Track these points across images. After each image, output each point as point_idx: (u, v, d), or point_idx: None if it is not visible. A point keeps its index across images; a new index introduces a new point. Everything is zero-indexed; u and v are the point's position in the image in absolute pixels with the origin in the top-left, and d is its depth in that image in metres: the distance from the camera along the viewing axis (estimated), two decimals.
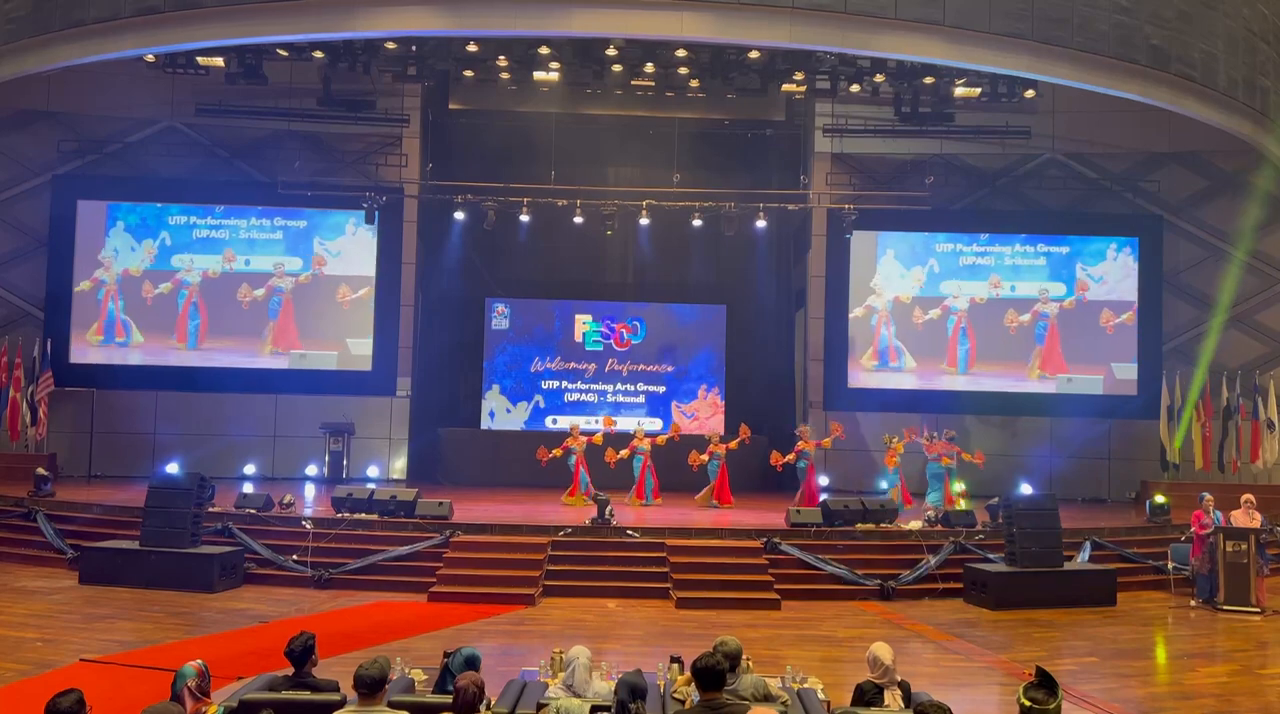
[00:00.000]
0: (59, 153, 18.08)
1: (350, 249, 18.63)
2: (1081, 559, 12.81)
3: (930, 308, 18.78)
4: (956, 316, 18.70)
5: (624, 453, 15.62)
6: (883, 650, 5.73)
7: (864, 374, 18.71)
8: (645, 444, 15.71)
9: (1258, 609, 11.40)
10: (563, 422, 19.53)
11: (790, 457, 15.69)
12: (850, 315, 18.77)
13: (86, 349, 18.22)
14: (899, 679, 5.71)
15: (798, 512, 13.37)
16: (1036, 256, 18.87)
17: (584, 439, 15.76)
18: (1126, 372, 18.54)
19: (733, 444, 15.96)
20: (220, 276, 18.49)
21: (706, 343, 20.01)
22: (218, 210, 18.60)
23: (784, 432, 17.63)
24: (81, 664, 8.23)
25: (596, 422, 19.49)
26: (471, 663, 5.58)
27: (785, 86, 16.84)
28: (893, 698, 5.59)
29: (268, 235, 18.65)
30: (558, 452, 15.57)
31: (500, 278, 19.96)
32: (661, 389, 19.81)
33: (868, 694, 5.64)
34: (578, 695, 5.66)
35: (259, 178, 18.46)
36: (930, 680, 7.80)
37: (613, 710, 5.31)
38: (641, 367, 19.83)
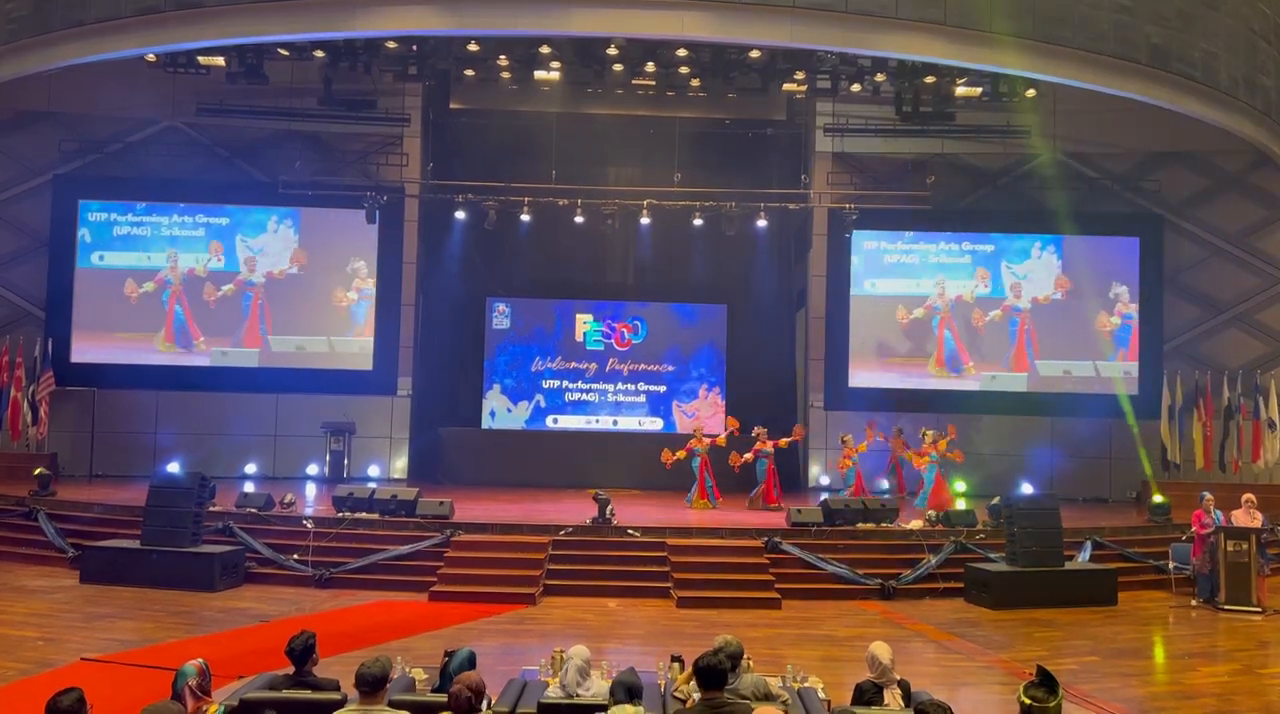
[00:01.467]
0: (60, 153, 18.08)
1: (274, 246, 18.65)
2: (1082, 559, 12.81)
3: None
4: (1021, 317, 18.75)
5: (680, 454, 15.52)
6: (881, 650, 5.73)
7: (932, 379, 18.73)
8: (703, 445, 15.59)
9: (1258, 609, 11.40)
10: (564, 422, 19.59)
11: (680, 454, 15.56)
12: (911, 316, 18.78)
13: (153, 354, 18.23)
14: (898, 678, 5.72)
15: (798, 511, 13.36)
16: (962, 255, 18.90)
17: (707, 441, 15.67)
18: (1051, 369, 18.62)
19: (782, 442, 15.90)
20: (285, 277, 18.57)
21: (707, 342, 20.00)
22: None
23: (785, 432, 17.57)
24: (82, 663, 8.25)
25: (596, 421, 19.55)
26: (469, 663, 5.59)
27: (786, 86, 16.82)
28: (892, 697, 5.60)
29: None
30: (681, 454, 15.49)
31: (501, 277, 19.95)
32: (662, 388, 19.81)
33: (867, 694, 5.65)
34: (571, 696, 5.67)
35: (260, 178, 18.47)
36: (931, 680, 7.81)
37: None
38: (642, 366, 19.82)
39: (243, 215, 18.62)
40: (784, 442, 15.98)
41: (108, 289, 18.33)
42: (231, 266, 18.55)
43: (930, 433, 16.10)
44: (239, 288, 18.50)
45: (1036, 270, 18.82)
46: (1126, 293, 18.65)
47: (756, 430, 16.04)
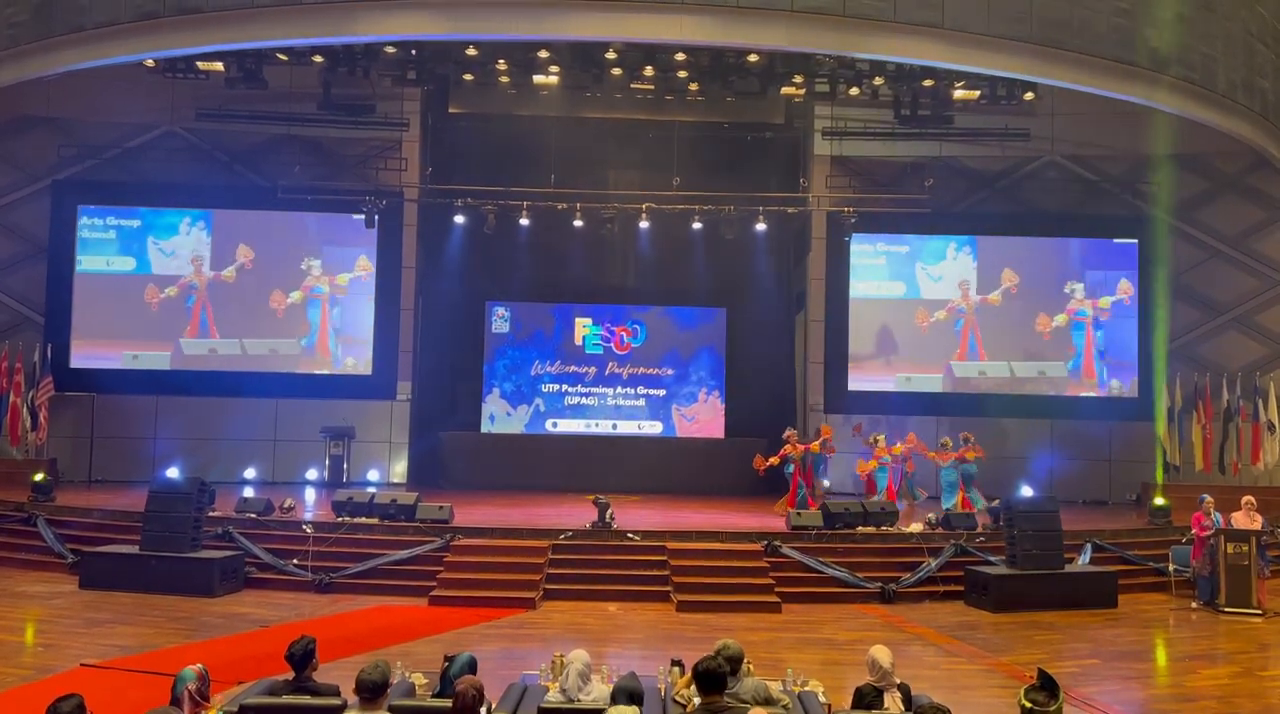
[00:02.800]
0: (59, 158, 18.09)
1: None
2: (1082, 561, 12.81)
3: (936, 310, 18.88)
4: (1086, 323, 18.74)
5: (773, 460, 15.39)
6: (881, 653, 5.73)
7: (953, 381, 18.73)
8: (797, 451, 15.43)
9: (1259, 611, 11.40)
10: (563, 426, 19.56)
11: (774, 460, 15.47)
12: (933, 318, 18.78)
13: (168, 357, 18.24)
14: (898, 682, 5.71)
15: (798, 514, 13.37)
16: (876, 256, 18.90)
17: (801, 447, 15.53)
18: (966, 370, 18.65)
19: (897, 448, 15.74)
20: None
21: (706, 346, 20.00)
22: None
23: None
24: (82, 669, 8.23)
25: (596, 425, 19.55)
26: (470, 668, 5.58)
27: (784, 89, 16.83)
28: (892, 701, 5.59)
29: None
30: (774, 460, 15.39)
31: (500, 281, 19.92)
32: (661, 392, 19.80)
33: (867, 697, 5.64)
34: (571, 700, 5.67)
35: (259, 182, 18.47)
36: (931, 683, 7.79)
37: None
38: (642, 370, 19.81)
39: (242, 218, 18.63)
40: (899, 447, 15.80)
41: (109, 294, 18.33)
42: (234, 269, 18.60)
43: (944, 439, 16.04)
44: (308, 295, 18.56)
45: (950, 271, 18.80)
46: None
47: (874, 437, 15.77)
